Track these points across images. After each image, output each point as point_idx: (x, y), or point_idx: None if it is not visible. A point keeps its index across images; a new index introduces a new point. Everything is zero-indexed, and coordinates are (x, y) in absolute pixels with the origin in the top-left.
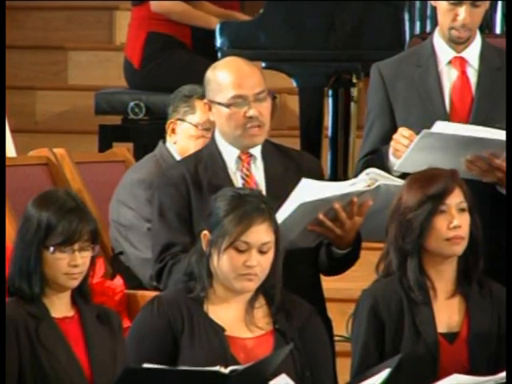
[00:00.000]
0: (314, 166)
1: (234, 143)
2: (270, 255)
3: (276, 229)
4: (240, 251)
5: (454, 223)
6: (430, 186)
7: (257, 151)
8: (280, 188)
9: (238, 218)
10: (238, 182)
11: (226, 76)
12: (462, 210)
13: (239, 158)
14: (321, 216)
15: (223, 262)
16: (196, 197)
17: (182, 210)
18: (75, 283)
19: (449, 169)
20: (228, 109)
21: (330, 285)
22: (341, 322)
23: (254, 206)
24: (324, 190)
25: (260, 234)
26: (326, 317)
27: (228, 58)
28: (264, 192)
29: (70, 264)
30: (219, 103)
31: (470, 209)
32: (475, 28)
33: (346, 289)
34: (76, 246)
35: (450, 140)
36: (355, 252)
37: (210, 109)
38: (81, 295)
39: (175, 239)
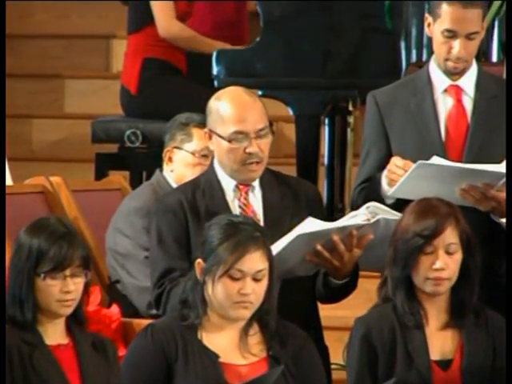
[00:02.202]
0: (312, 192)
1: (232, 175)
2: (265, 283)
3: (270, 256)
4: (234, 279)
5: (437, 265)
6: (423, 222)
7: (255, 181)
8: (277, 216)
9: (233, 246)
10: (236, 210)
11: (229, 110)
12: (451, 252)
13: (237, 186)
14: (319, 247)
15: (218, 290)
16: (194, 223)
17: (181, 236)
18: (68, 310)
19: (447, 203)
20: (228, 143)
21: (326, 312)
22: (337, 350)
23: (248, 234)
24: (325, 225)
25: (254, 261)
26: (323, 345)
27: (232, 90)
28: (261, 220)
29: (62, 290)
30: (220, 136)
31: (466, 243)
32: (471, 59)
33: (342, 317)
34: (67, 272)
35: (445, 171)
36: (352, 283)
37: (210, 138)
38: (76, 322)
39: (174, 265)
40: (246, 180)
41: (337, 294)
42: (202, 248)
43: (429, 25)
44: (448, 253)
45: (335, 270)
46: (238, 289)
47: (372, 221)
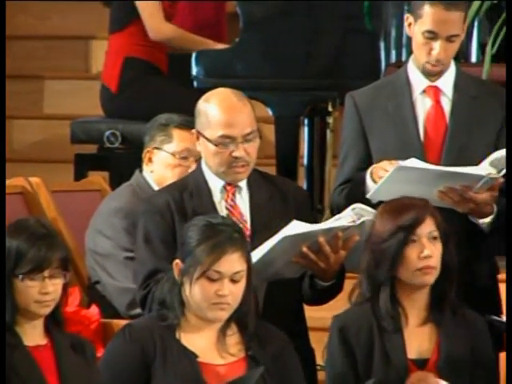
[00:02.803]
0: (300, 194)
1: (218, 176)
2: (242, 284)
3: (248, 258)
4: (212, 280)
5: (425, 253)
6: (401, 216)
7: (242, 182)
8: (265, 217)
9: (210, 247)
10: (223, 211)
11: (217, 113)
12: (434, 238)
13: (224, 188)
14: (304, 249)
15: (195, 292)
16: (181, 224)
17: (167, 237)
18: (47, 311)
19: (420, 198)
20: (215, 147)
21: (307, 313)
22: (318, 351)
23: (226, 236)
24: (311, 227)
25: (232, 263)
26: (309, 347)
27: (221, 92)
28: (249, 222)
29: (41, 292)
30: (207, 139)
31: (444, 237)
32: (449, 61)
33: (323, 318)
34: (46, 274)
35: (424, 174)
36: (338, 284)
37: (197, 138)
38: (54, 323)
39: (160, 266)
40: (232, 181)
41: (323, 296)
42: (180, 249)
43: (409, 24)
44: (430, 240)
45: (321, 271)
46: (216, 290)
47: (357, 222)
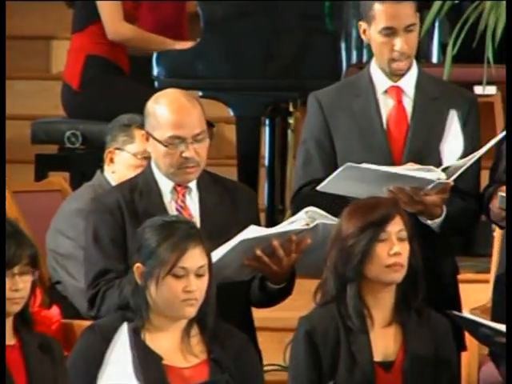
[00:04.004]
0: (249, 197)
1: (168, 177)
2: (206, 279)
3: (208, 252)
4: (178, 278)
5: (394, 250)
6: (372, 213)
7: (192, 183)
8: (215, 218)
9: (173, 245)
10: (173, 212)
11: (166, 114)
12: (402, 238)
13: (174, 189)
14: (258, 252)
15: (163, 292)
16: (131, 224)
17: (117, 236)
18: (17, 308)
19: (390, 197)
20: (165, 147)
21: (267, 314)
22: (278, 351)
23: (185, 232)
24: (266, 231)
25: (196, 257)
26: (257, 348)
27: (170, 93)
28: (198, 223)
29: (11, 289)
30: (156, 140)
31: (410, 238)
32: (413, 54)
33: (283, 318)
34: (16, 270)
35: (373, 174)
36: (289, 287)
37: (147, 139)
38: (23, 323)
39: (110, 266)
40: (182, 182)
41: (273, 299)
42: (138, 253)
43: (364, 31)
44: (399, 239)
45: (273, 274)
46: (183, 287)
47: (311, 226)
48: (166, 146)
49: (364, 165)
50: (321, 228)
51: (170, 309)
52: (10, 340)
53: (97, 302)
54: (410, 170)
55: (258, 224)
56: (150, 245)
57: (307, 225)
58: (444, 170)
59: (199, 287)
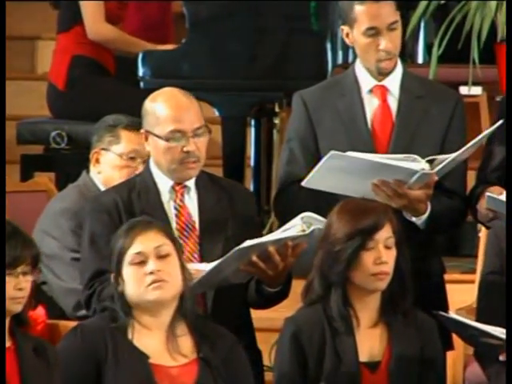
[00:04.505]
0: (246, 196)
1: (169, 175)
2: (172, 260)
3: (170, 235)
4: (137, 264)
5: (382, 259)
6: (361, 220)
7: (191, 182)
8: (212, 218)
9: (124, 233)
10: (171, 212)
11: (166, 110)
12: (389, 246)
13: (173, 188)
14: (254, 258)
15: (129, 284)
16: None
17: None
18: (19, 308)
19: (381, 202)
20: (166, 142)
21: (252, 314)
22: (264, 352)
23: (139, 221)
24: (262, 239)
25: (149, 239)
26: (257, 349)
27: (168, 91)
28: (197, 222)
29: (16, 288)
30: (157, 136)
31: (399, 242)
32: (397, 51)
33: (269, 318)
34: (20, 270)
35: (358, 164)
36: (285, 290)
37: (146, 139)
38: (19, 325)
39: (105, 266)
40: (183, 179)
41: (269, 301)
42: (111, 261)
43: (347, 35)
44: (386, 247)
45: (269, 278)
46: (144, 272)
47: (307, 231)
48: (167, 140)
49: (348, 153)
50: (317, 233)
51: (141, 298)
52: (6, 342)
53: (92, 302)
54: (395, 158)
55: (256, 222)
56: (111, 248)
57: (303, 231)
58: (429, 162)
59: (163, 268)
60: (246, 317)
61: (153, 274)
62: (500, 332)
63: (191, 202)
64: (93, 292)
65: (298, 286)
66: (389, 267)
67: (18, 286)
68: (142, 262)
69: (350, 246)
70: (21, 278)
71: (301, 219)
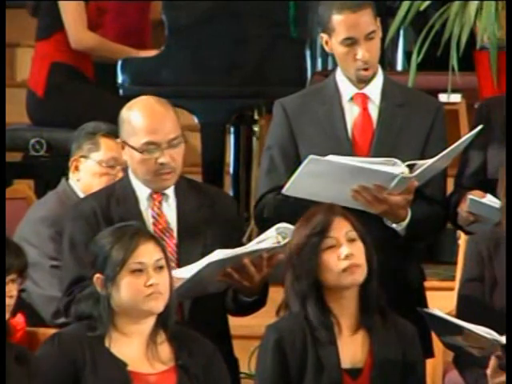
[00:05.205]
0: (228, 201)
1: (146, 184)
2: (166, 272)
3: (163, 249)
4: (137, 273)
5: (344, 253)
6: (308, 224)
7: (170, 190)
8: (191, 225)
9: (125, 242)
10: (149, 219)
11: (141, 120)
12: (352, 238)
13: (151, 196)
14: (229, 270)
15: (124, 292)
16: None
17: None
18: (8, 315)
19: (326, 203)
20: (140, 154)
21: (231, 321)
22: (243, 359)
23: (135, 230)
24: (236, 251)
25: (150, 251)
26: (233, 357)
27: (144, 99)
28: (175, 230)
29: (7, 295)
30: (132, 147)
31: (363, 237)
32: (376, 62)
33: (248, 325)
34: (11, 277)
35: (337, 168)
36: (262, 299)
37: (122, 148)
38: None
39: (85, 273)
40: (158, 189)
41: (247, 310)
42: (94, 264)
43: (326, 43)
44: (349, 240)
45: (245, 289)
46: (144, 282)
47: (282, 243)
48: (141, 152)
49: (327, 157)
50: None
51: (135, 307)
52: None
53: (71, 309)
54: (375, 162)
55: (238, 227)
56: (104, 250)
57: (278, 242)
58: (410, 167)
59: (161, 281)
60: (223, 325)
61: (152, 286)
62: (483, 330)
63: (169, 209)
64: (72, 298)
65: (275, 292)
66: (358, 259)
67: (10, 293)
68: (140, 271)
69: (308, 252)
70: (10, 285)
71: (276, 230)
